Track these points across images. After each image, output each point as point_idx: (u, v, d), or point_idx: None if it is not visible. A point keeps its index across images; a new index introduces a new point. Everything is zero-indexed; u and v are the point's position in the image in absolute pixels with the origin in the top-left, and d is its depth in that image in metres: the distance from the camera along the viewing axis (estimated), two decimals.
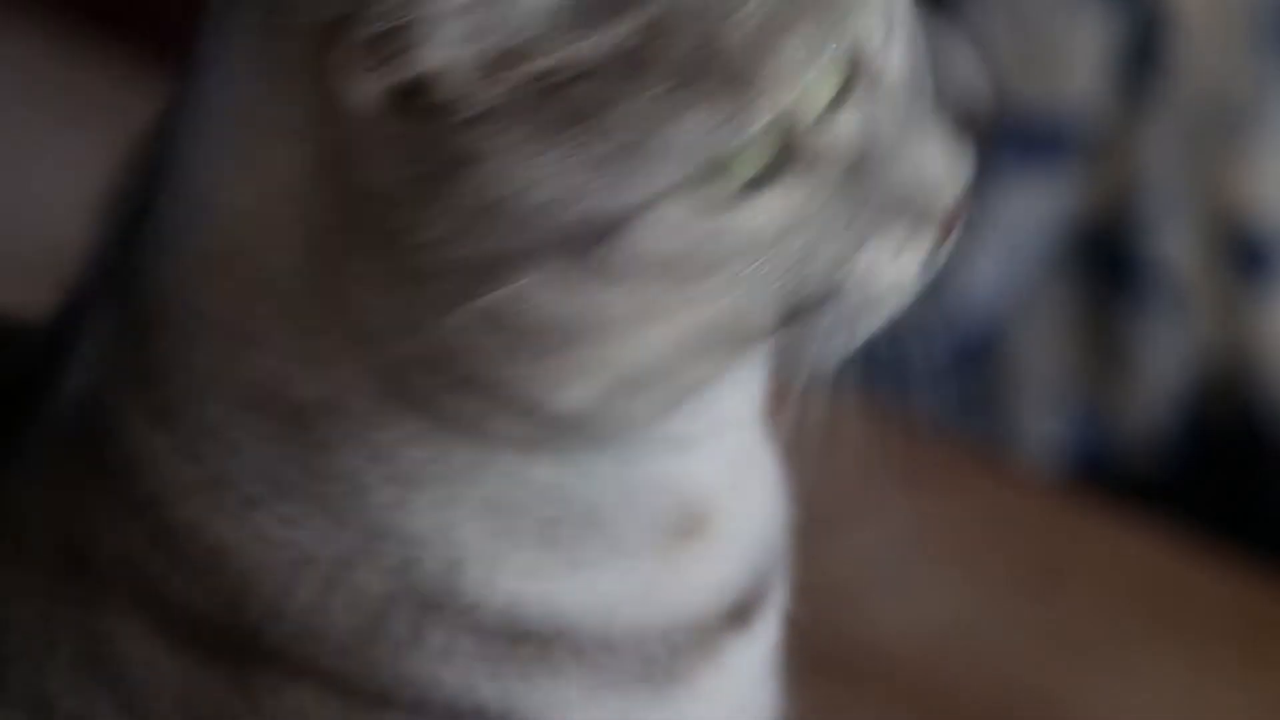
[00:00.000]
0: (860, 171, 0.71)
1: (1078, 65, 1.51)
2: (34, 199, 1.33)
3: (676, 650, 0.78)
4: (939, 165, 0.73)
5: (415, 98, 0.71)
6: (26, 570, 0.80)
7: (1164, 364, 1.52)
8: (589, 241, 0.70)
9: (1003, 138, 1.54)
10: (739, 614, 0.79)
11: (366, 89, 0.71)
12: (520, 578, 0.77)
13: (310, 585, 0.77)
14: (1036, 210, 1.53)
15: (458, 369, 0.74)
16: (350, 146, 0.72)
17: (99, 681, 0.78)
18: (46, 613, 0.79)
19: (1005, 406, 1.54)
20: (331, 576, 0.77)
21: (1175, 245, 1.51)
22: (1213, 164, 1.50)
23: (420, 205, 0.72)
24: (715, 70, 0.68)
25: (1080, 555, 1.21)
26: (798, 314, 0.73)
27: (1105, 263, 1.54)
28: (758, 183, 0.70)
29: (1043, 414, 1.54)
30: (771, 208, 0.70)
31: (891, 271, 0.73)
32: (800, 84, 0.69)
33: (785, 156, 0.70)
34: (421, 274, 0.73)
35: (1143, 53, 1.50)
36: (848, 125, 0.71)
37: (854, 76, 0.71)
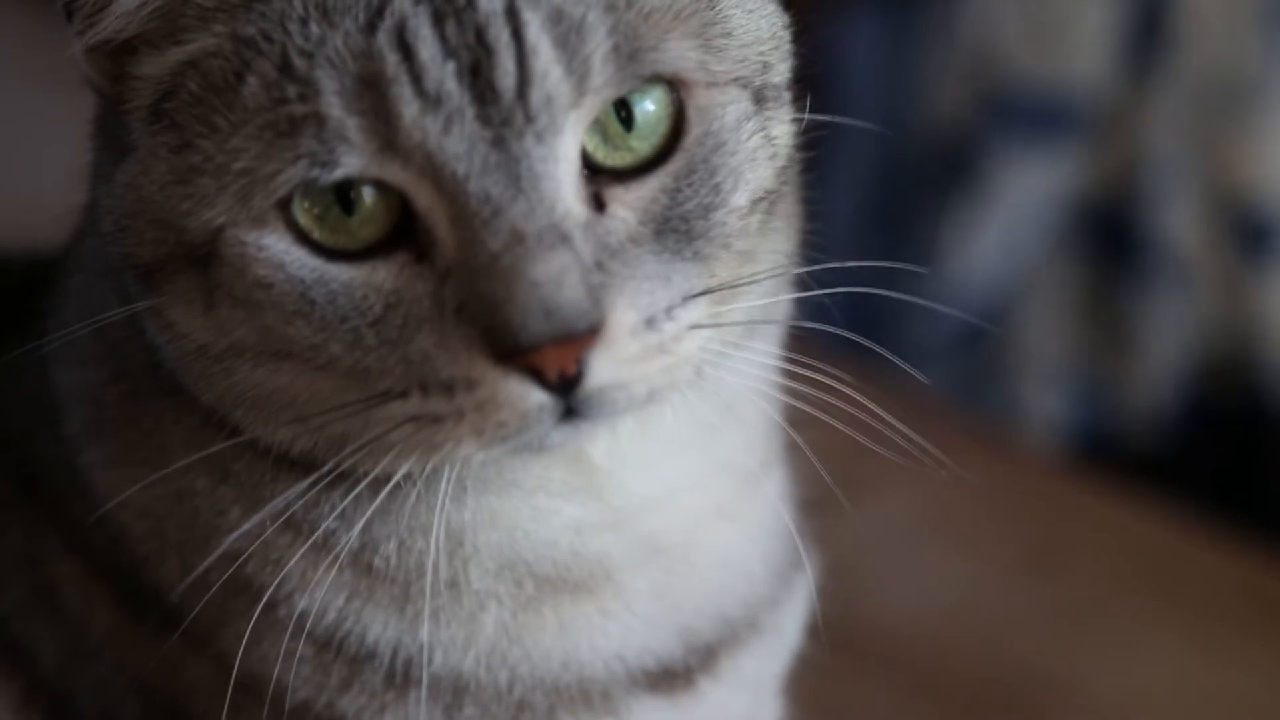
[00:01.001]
0: (459, 279, 0.71)
1: (1084, 42, 1.51)
2: (27, 158, 1.33)
3: (562, 704, 0.78)
4: (526, 292, 0.70)
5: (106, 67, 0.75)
6: None
7: (1167, 341, 1.52)
8: (203, 259, 0.72)
9: (1008, 114, 1.54)
10: (660, 682, 0.79)
11: (86, 68, 0.74)
12: (338, 597, 0.78)
13: (173, 562, 0.78)
14: (1041, 187, 1.53)
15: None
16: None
17: (44, 616, 0.80)
18: (6, 524, 0.81)
19: (1009, 383, 1.54)
20: (184, 557, 0.78)
21: (1179, 223, 1.51)
22: (1218, 142, 1.49)
23: (106, 195, 0.75)
24: (289, 102, 0.70)
25: (1084, 534, 1.21)
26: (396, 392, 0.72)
27: (1109, 240, 1.54)
28: (367, 252, 0.71)
29: (1046, 390, 1.54)
30: (363, 276, 0.71)
31: (486, 394, 0.71)
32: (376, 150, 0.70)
33: (394, 247, 0.71)
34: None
35: (1149, 30, 1.50)
36: (445, 232, 0.71)
37: (449, 184, 0.70)
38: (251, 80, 0.70)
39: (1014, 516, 1.02)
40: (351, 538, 0.76)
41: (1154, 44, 1.50)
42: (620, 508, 0.78)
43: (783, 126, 0.76)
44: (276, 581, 0.77)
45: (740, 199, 0.74)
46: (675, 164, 0.73)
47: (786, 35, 0.77)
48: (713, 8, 0.74)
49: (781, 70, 0.76)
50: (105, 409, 0.79)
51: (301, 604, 0.77)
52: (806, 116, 0.77)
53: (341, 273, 0.71)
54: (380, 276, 0.71)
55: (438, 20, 0.70)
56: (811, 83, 0.77)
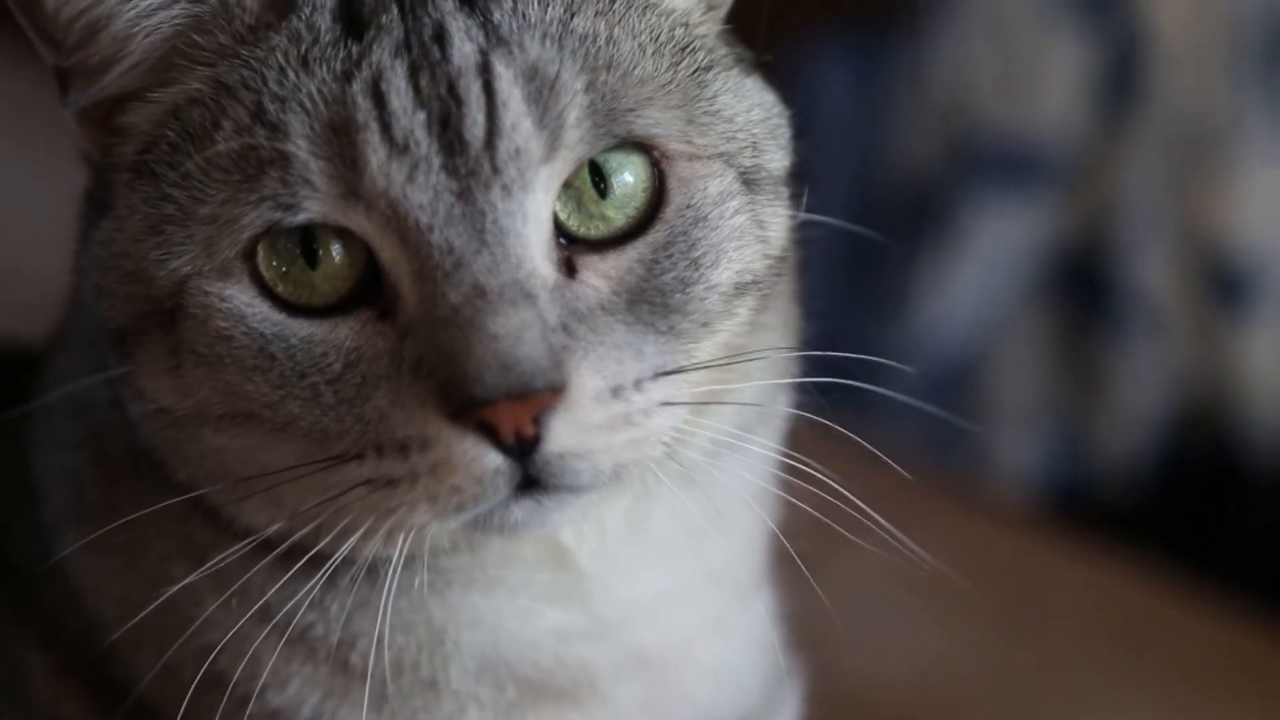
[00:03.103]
0: (419, 334, 0.70)
1: (1055, 89, 1.50)
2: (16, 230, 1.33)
3: None
4: (484, 345, 0.69)
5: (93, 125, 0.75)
6: None
7: (1141, 391, 1.51)
8: (169, 315, 0.72)
9: (980, 162, 1.53)
10: None
11: (77, 125, 0.75)
12: (313, 694, 0.76)
13: (148, 655, 0.77)
14: (1014, 235, 1.52)
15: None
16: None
17: (15, 701, 0.79)
18: None
19: (982, 434, 1.53)
20: (158, 649, 0.76)
21: (1152, 273, 1.50)
22: (1191, 191, 1.49)
23: (87, 256, 0.74)
24: (258, 146, 0.70)
25: (1057, 593, 1.20)
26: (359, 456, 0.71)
27: (1082, 289, 1.53)
28: (330, 310, 0.71)
29: (1019, 440, 1.53)
30: (323, 333, 0.71)
31: (441, 455, 0.70)
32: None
33: (357, 305, 0.71)
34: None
35: (1121, 77, 1.50)
36: (407, 287, 0.70)
37: (411, 237, 0.70)
38: (225, 125, 0.70)
39: (987, 576, 1.00)
40: (329, 631, 0.75)
41: (1126, 92, 1.49)
42: (606, 616, 0.77)
43: (777, 219, 0.75)
44: (249, 677, 0.76)
45: (721, 276, 0.73)
46: (653, 236, 0.72)
47: (785, 127, 0.76)
48: (701, 85, 0.74)
49: (777, 159, 0.75)
50: (85, 494, 0.78)
51: (275, 702, 0.76)
52: (802, 215, 0.76)
53: (302, 328, 0.70)
54: (341, 334, 0.70)
55: (413, 72, 0.70)
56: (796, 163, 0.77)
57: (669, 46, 0.73)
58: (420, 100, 0.70)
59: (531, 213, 0.70)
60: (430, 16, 0.71)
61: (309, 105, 0.70)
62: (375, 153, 0.69)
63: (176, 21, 0.72)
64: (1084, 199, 1.52)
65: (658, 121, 0.72)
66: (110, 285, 0.73)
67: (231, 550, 0.74)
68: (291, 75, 0.70)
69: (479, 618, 0.75)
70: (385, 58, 0.71)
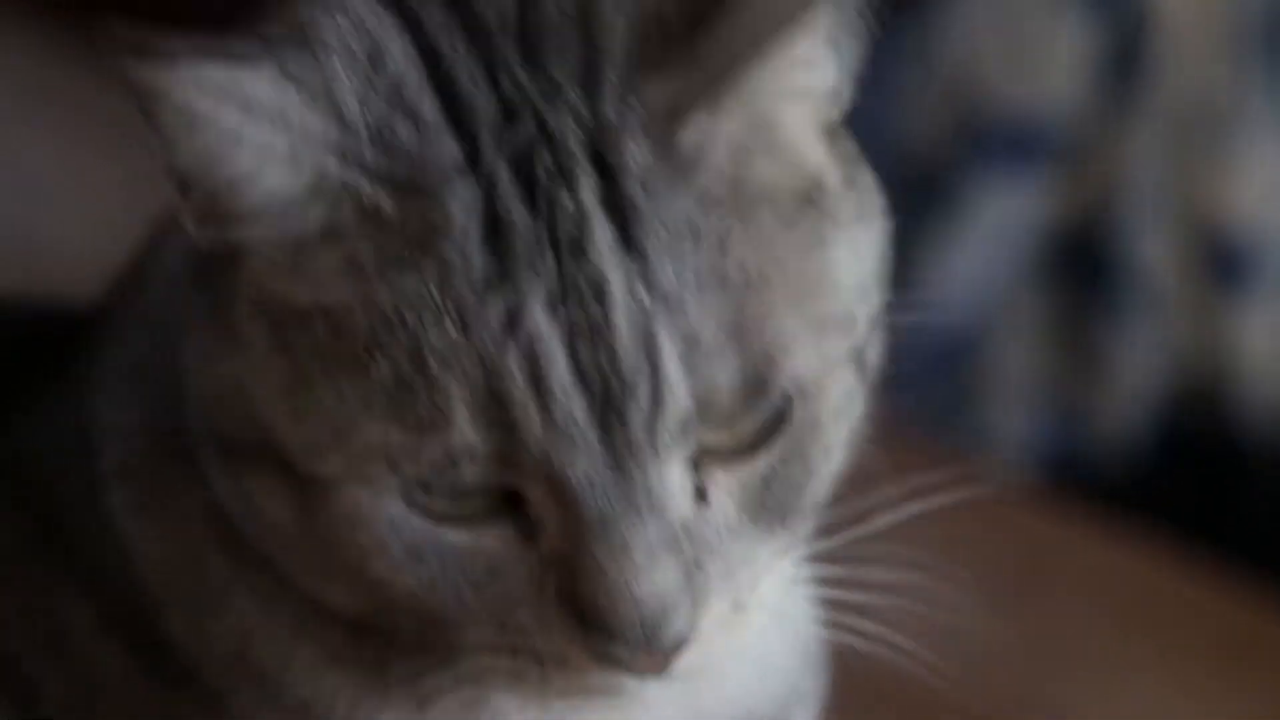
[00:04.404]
0: (562, 565, 0.69)
1: (1060, 68, 1.51)
2: (23, 194, 1.33)
3: None
4: (628, 602, 0.68)
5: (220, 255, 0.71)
6: (4, 528, 0.81)
7: (1138, 369, 1.52)
8: (300, 477, 0.70)
9: (985, 140, 1.54)
10: None
11: (196, 237, 0.71)
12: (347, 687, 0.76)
13: (179, 619, 0.77)
14: (1015, 213, 1.53)
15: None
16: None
17: (54, 659, 0.79)
18: (13, 579, 0.80)
19: (981, 410, 1.54)
20: (191, 618, 0.77)
21: (1152, 251, 1.51)
22: (1192, 171, 1.49)
23: (201, 360, 0.72)
24: (427, 409, 0.67)
25: (1057, 565, 1.21)
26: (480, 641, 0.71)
27: (1082, 267, 1.54)
28: (473, 518, 0.69)
29: (1018, 417, 1.54)
30: (479, 545, 0.69)
31: (582, 668, 0.70)
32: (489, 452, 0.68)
33: (502, 516, 0.69)
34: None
35: (1125, 57, 1.50)
36: (550, 519, 0.69)
37: (564, 490, 0.68)
38: (384, 364, 0.67)
39: (987, 547, 1.01)
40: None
41: (1130, 71, 1.50)
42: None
43: (872, 349, 0.73)
44: (280, 667, 0.76)
45: (835, 467, 0.72)
46: (776, 447, 0.70)
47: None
48: (834, 294, 0.71)
49: (878, 300, 0.73)
50: (134, 454, 0.78)
51: (304, 693, 0.76)
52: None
53: (450, 536, 0.69)
54: (486, 543, 0.69)
55: (572, 340, 0.67)
56: None
57: (807, 244, 0.71)
58: (581, 377, 0.66)
59: (678, 469, 0.68)
60: (589, 263, 0.67)
61: (469, 370, 0.67)
62: (533, 430, 0.67)
63: (316, 223, 0.69)
64: (1086, 178, 1.52)
65: (802, 365, 0.69)
66: (235, 412, 0.71)
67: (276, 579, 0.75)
68: (451, 330, 0.67)
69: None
70: (541, 319, 0.67)
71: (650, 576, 0.67)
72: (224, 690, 0.77)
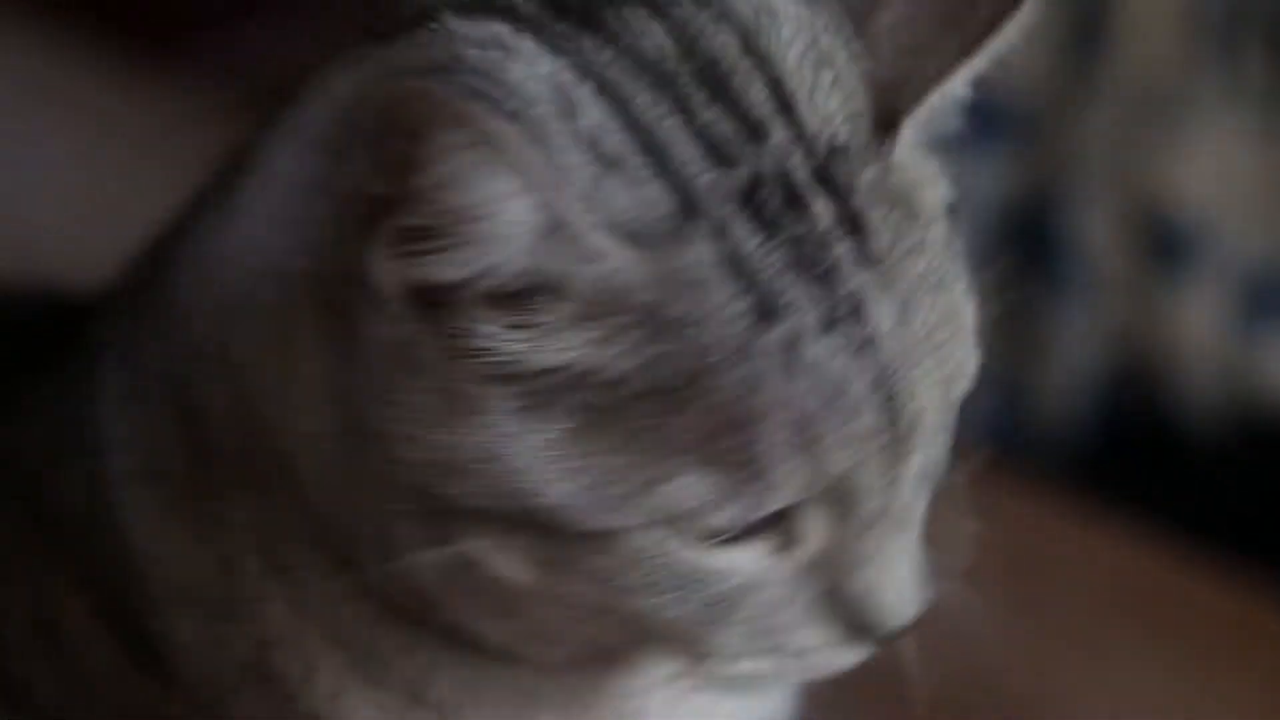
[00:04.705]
0: (822, 569, 0.72)
1: (1020, 44, 1.51)
2: (22, 192, 1.31)
3: None
4: (892, 595, 0.72)
5: (438, 309, 0.69)
6: (5, 513, 0.80)
7: (1079, 349, 1.53)
8: (565, 535, 0.69)
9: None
10: None
11: (388, 276, 0.69)
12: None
13: (191, 623, 0.77)
14: (972, 189, 1.53)
15: (417, 594, 0.73)
16: (360, 328, 0.70)
17: (44, 650, 0.78)
18: (5, 569, 0.79)
19: None
20: (207, 623, 0.76)
21: (1096, 230, 1.52)
22: (1141, 151, 1.50)
23: (418, 426, 0.70)
24: (734, 452, 0.68)
25: (1052, 555, 1.22)
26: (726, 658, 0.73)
27: (1028, 243, 1.54)
28: (735, 540, 0.70)
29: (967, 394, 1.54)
30: (736, 564, 0.70)
31: (819, 657, 0.74)
32: (803, 492, 0.69)
33: (758, 531, 0.70)
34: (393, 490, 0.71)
35: (1084, 33, 1.50)
36: (817, 529, 0.71)
37: (846, 499, 0.70)
38: (682, 418, 0.68)
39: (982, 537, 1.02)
40: (415, 678, 0.76)
41: (1090, 49, 1.50)
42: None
43: None
44: (302, 679, 0.76)
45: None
46: None
47: None
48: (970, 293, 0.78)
49: None
50: (167, 462, 0.76)
51: (322, 709, 0.76)
52: None
53: (718, 560, 0.70)
54: (742, 562, 0.71)
55: (853, 354, 0.69)
56: None
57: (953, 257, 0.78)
58: (872, 385, 0.69)
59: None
60: (842, 283, 0.69)
61: (774, 406, 0.68)
62: (844, 447, 0.69)
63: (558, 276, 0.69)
64: (1039, 154, 1.53)
65: (977, 354, 0.78)
66: (452, 464, 0.69)
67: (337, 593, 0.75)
68: (741, 373, 0.68)
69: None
70: (820, 343, 0.69)
71: (909, 556, 0.72)
72: (224, 692, 0.76)
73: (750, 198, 0.69)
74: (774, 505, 0.69)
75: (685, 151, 0.69)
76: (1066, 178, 1.52)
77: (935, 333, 0.71)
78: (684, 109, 0.70)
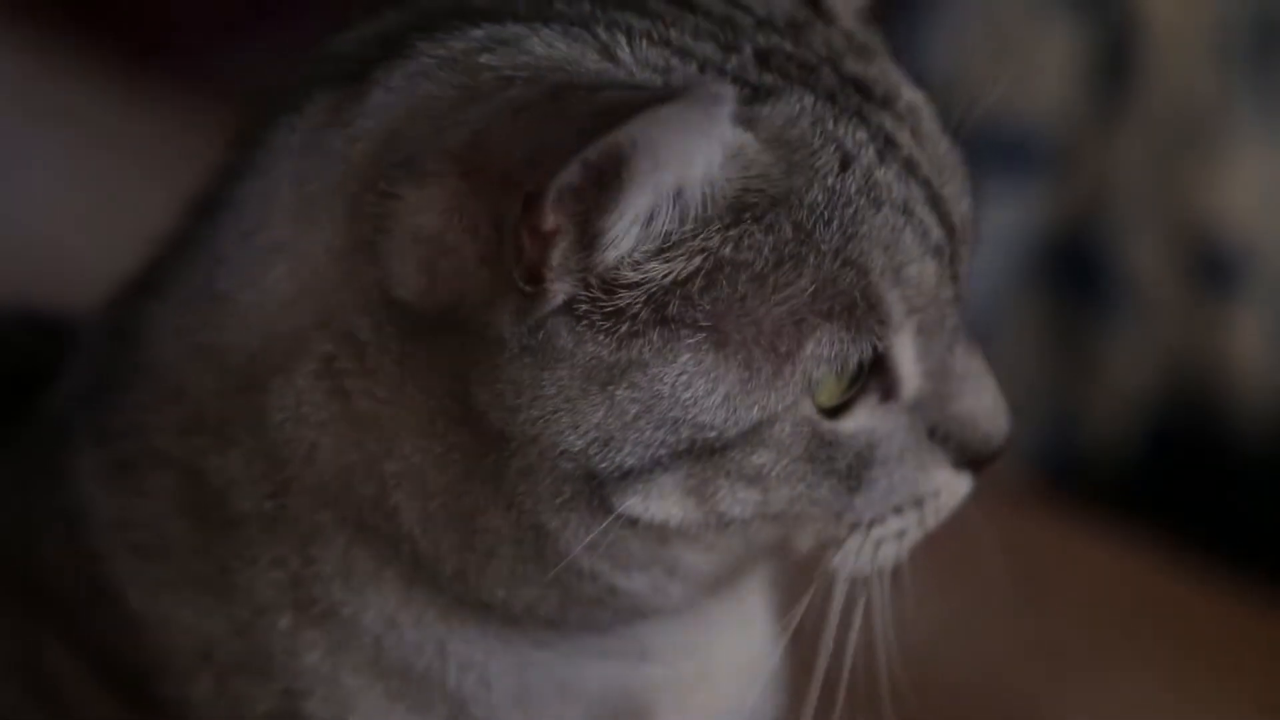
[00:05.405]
0: (926, 405, 0.77)
1: (1049, 76, 1.52)
2: (17, 203, 1.33)
3: None
4: (990, 409, 0.78)
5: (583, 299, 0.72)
6: None
7: (1130, 373, 1.53)
8: (719, 448, 0.73)
9: (975, 148, 1.54)
10: None
11: (556, 278, 0.72)
12: None
13: (207, 682, 0.78)
14: (1008, 220, 1.53)
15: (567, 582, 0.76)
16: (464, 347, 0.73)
17: (43, 710, 0.80)
18: (5, 629, 0.81)
19: None
20: (225, 680, 0.78)
21: (1142, 256, 1.52)
22: (1180, 176, 1.50)
23: (569, 415, 0.73)
24: (851, 292, 0.73)
25: (1058, 566, 1.21)
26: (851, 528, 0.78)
27: (1072, 273, 1.54)
28: (844, 406, 0.76)
29: (1014, 421, 1.54)
30: (861, 424, 0.76)
31: (947, 494, 0.79)
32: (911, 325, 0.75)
33: (863, 387, 0.76)
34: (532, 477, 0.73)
35: (1114, 64, 1.51)
36: (909, 365, 0.76)
37: (928, 318, 0.76)
38: (805, 274, 0.73)
39: (988, 550, 1.02)
40: (461, 684, 0.78)
41: (1119, 80, 1.51)
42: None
43: None
44: (335, 716, 0.78)
45: None
46: None
47: None
48: None
49: None
50: (164, 541, 0.78)
51: None
52: None
53: (843, 425, 0.75)
54: (863, 421, 0.76)
55: (906, 179, 0.76)
56: None
57: None
58: (930, 203, 0.76)
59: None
60: (874, 122, 0.76)
61: (873, 238, 0.74)
62: (928, 264, 0.75)
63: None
64: (1076, 184, 1.53)
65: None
66: (612, 433, 0.73)
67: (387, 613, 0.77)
68: (840, 216, 0.74)
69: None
70: (885, 174, 0.75)
71: (989, 375, 0.78)
72: None
73: (769, 67, 0.76)
74: (887, 341, 0.74)
75: (703, 49, 0.76)
76: (1108, 205, 1.52)
77: (943, 151, 0.78)
78: (672, 24, 0.76)
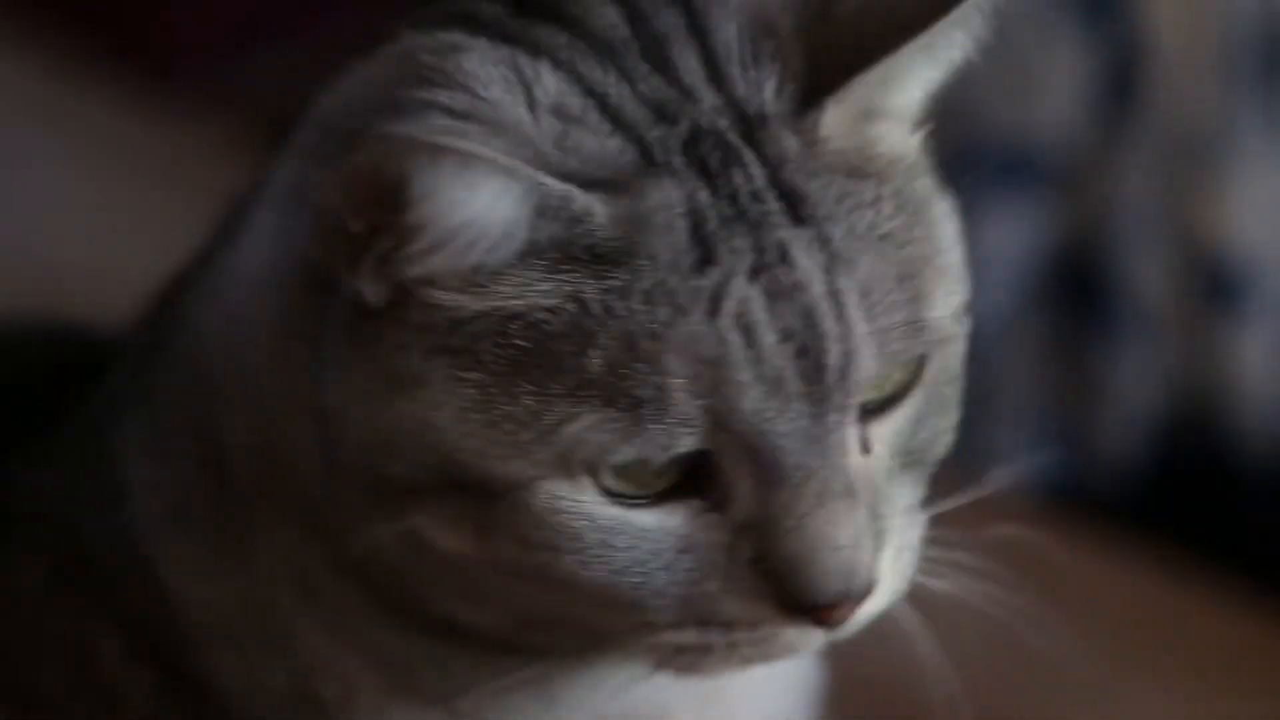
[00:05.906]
0: (753, 534, 0.73)
1: (1055, 93, 1.52)
2: (34, 221, 1.34)
3: None
4: (823, 565, 0.72)
5: (396, 305, 0.73)
6: (29, 566, 0.82)
7: (1135, 391, 1.53)
8: (486, 494, 0.72)
9: (980, 166, 1.55)
10: None
11: (372, 287, 0.72)
12: None
13: (236, 660, 0.79)
14: (1012, 237, 1.53)
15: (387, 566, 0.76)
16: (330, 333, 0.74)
17: (85, 695, 0.81)
18: (41, 615, 0.82)
19: (981, 431, 1.54)
20: (246, 655, 0.79)
21: (1148, 274, 1.52)
22: (1186, 194, 1.50)
23: (363, 407, 0.73)
24: (639, 387, 0.71)
25: (1064, 585, 1.21)
26: (667, 624, 0.74)
27: (1079, 290, 1.55)
28: (659, 497, 0.73)
29: (1018, 439, 1.54)
30: (662, 523, 0.73)
31: (760, 635, 0.74)
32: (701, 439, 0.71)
33: (686, 492, 0.73)
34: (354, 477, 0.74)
35: (1120, 83, 1.51)
36: (744, 489, 0.72)
37: (767, 455, 0.72)
38: (594, 354, 0.71)
39: (994, 568, 1.02)
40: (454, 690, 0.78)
41: (1125, 97, 1.51)
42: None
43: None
44: (343, 702, 0.78)
45: (956, 418, 0.78)
46: (917, 395, 0.75)
47: None
48: (948, 248, 0.77)
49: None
50: (189, 506, 0.80)
51: None
52: None
53: (640, 518, 0.73)
54: (674, 522, 0.73)
55: (771, 301, 0.72)
56: None
57: (928, 203, 0.78)
58: (784, 336, 0.71)
59: (853, 417, 0.73)
60: (773, 234, 0.72)
61: (685, 345, 0.71)
62: (750, 391, 0.71)
63: (523, 239, 0.72)
64: (1082, 202, 1.53)
65: (942, 314, 0.75)
66: (405, 449, 0.73)
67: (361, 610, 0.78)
68: (662, 310, 0.71)
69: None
70: (746, 288, 0.72)
71: (844, 520, 0.72)
72: None
73: (694, 150, 0.73)
74: (679, 448, 0.71)
75: (635, 111, 0.74)
76: (1113, 223, 1.52)
77: (875, 289, 0.73)
78: (629, 78, 0.74)
